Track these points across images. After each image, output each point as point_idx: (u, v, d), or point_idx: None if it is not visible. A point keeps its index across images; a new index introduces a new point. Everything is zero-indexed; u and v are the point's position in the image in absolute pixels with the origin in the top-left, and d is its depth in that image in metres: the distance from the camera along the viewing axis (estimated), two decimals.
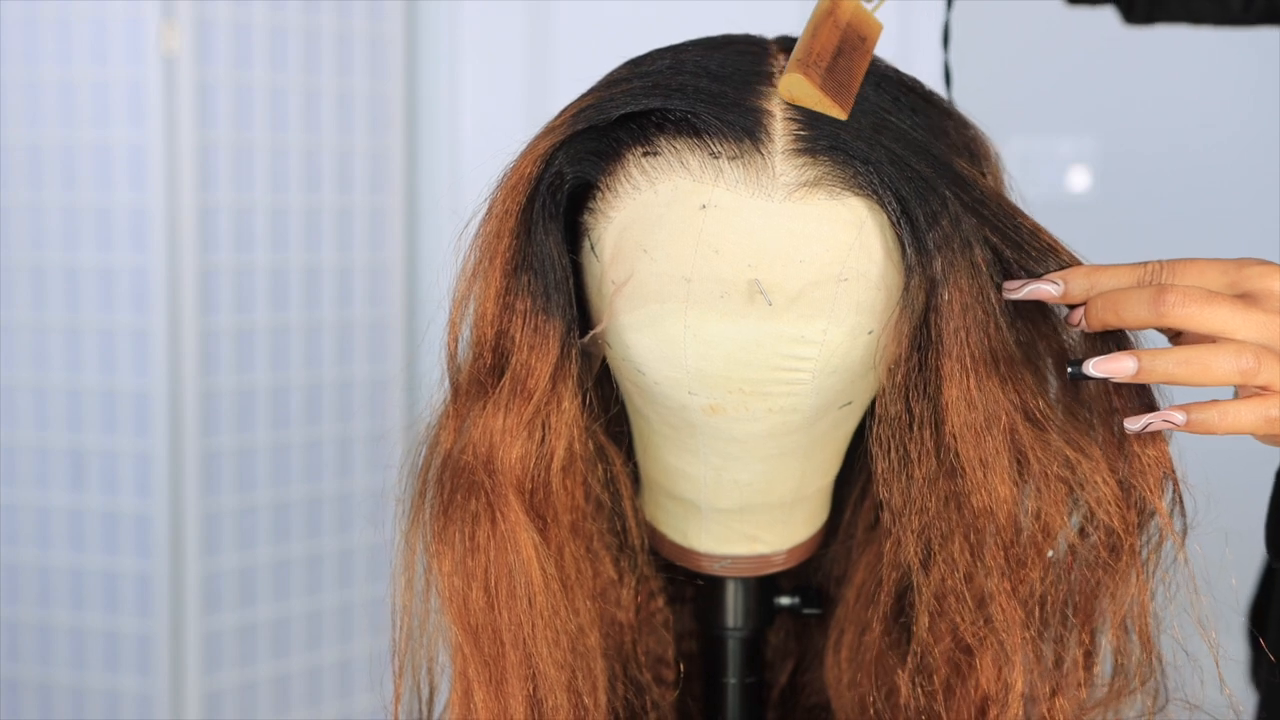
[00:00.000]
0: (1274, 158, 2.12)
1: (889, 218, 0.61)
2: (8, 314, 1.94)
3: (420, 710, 0.70)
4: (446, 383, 0.68)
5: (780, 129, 0.61)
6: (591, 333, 0.66)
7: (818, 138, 0.60)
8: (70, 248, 1.92)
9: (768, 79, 0.62)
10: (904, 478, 0.64)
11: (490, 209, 0.66)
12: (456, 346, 0.68)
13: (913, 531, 0.65)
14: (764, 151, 0.60)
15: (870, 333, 0.63)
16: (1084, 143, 2.17)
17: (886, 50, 0.67)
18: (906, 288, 0.62)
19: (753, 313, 0.61)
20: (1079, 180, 2.17)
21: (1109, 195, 2.18)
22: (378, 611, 2.14)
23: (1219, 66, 2.14)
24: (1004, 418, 0.62)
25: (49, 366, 1.94)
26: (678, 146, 0.61)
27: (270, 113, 1.98)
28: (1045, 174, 2.14)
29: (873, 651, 0.73)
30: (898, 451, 0.64)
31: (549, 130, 0.65)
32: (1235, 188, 2.18)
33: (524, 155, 0.65)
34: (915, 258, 0.61)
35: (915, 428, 0.63)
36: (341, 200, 2.07)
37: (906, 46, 2.08)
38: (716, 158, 0.61)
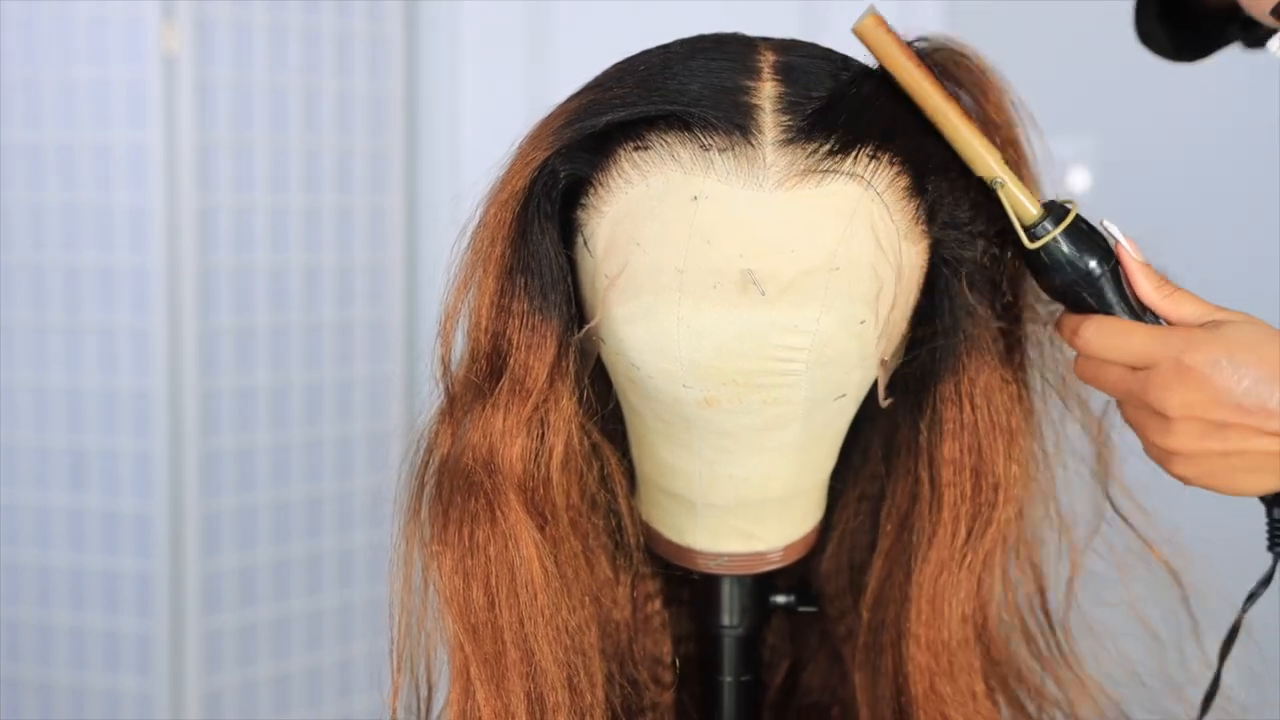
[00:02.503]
0: (1274, 157, 2.12)
1: (882, 205, 0.62)
2: (8, 314, 1.94)
3: (419, 707, 0.70)
4: (440, 390, 0.68)
5: (770, 120, 0.61)
6: (586, 328, 0.66)
7: (807, 129, 0.61)
8: (70, 248, 1.92)
9: (756, 74, 0.63)
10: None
11: (483, 220, 0.66)
12: (450, 356, 0.68)
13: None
14: (754, 143, 0.60)
15: (863, 322, 0.63)
16: (1083, 143, 2.17)
17: None
18: (900, 276, 0.63)
19: (745, 302, 0.61)
20: (1079, 180, 2.16)
21: (1108, 196, 2.17)
22: (378, 611, 2.13)
23: (1218, 66, 2.14)
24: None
25: (49, 366, 1.94)
26: (668, 140, 0.62)
27: (270, 113, 1.98)
28: (1045, 174, 2.13)
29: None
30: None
31: (538, 139, 0.65)
32: (1235, 188, 2.18)
33: (514, 168, 0.65)
34: (907, 245, 0.62)
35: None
36: (341, 200, 2.07)
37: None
38: (707, 150, 0.61)
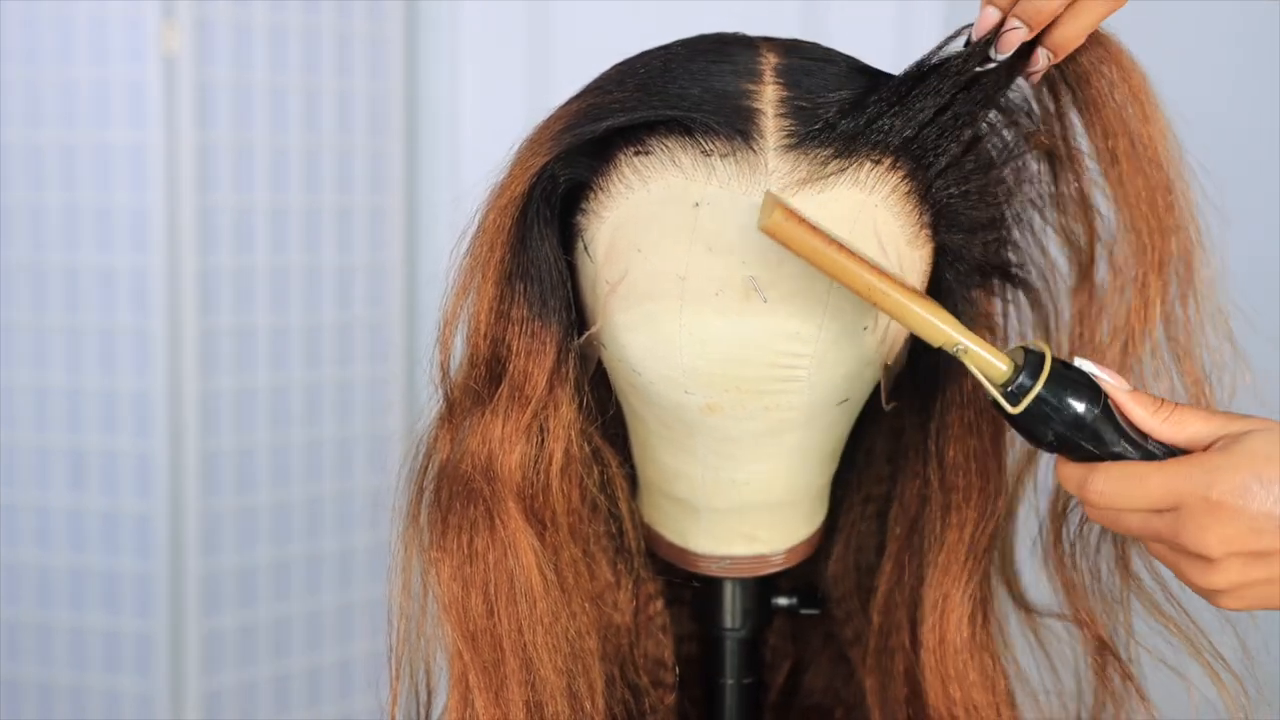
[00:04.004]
0: (1274, 157, 2.12)
1: (885, 211, 0.61)
2: (8, 314, 1.94)
3: (418, 714, 0.70)
4: (439, 396, 0.68)
5: (772, 125, 0.60)
6: (587, 333, 0.66)
7: (810, 134, 0.60)
8: (70, 248, 1.92)
9: (758, 77, 0.62)
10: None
11: (482, 225, 0.66)
12: (449, 361, 0.68)
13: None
14: (756, 148, 0.60)
15: (865, 328, 0.62)
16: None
17: (884, 59, 0.67)
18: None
19: (748, 310, 0.61)
20: None
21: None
22: (377, 612, 2.13)
23: (1218, 65, 2.14)
24: None
25: (49, 366, 1.94)
26: (669, 145, 0.61)
27: (270, 113, 1.98)
28: None
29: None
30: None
31: (537, 144, 0.64)
32: (1235, 187, 2.17)
33: (513, 173, 0.65)
34: (910, 250, 0.62)
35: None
36: (341, 200, 2.07)
37: (905, 47, 2.08)
38: (708, 155, 0.60)
